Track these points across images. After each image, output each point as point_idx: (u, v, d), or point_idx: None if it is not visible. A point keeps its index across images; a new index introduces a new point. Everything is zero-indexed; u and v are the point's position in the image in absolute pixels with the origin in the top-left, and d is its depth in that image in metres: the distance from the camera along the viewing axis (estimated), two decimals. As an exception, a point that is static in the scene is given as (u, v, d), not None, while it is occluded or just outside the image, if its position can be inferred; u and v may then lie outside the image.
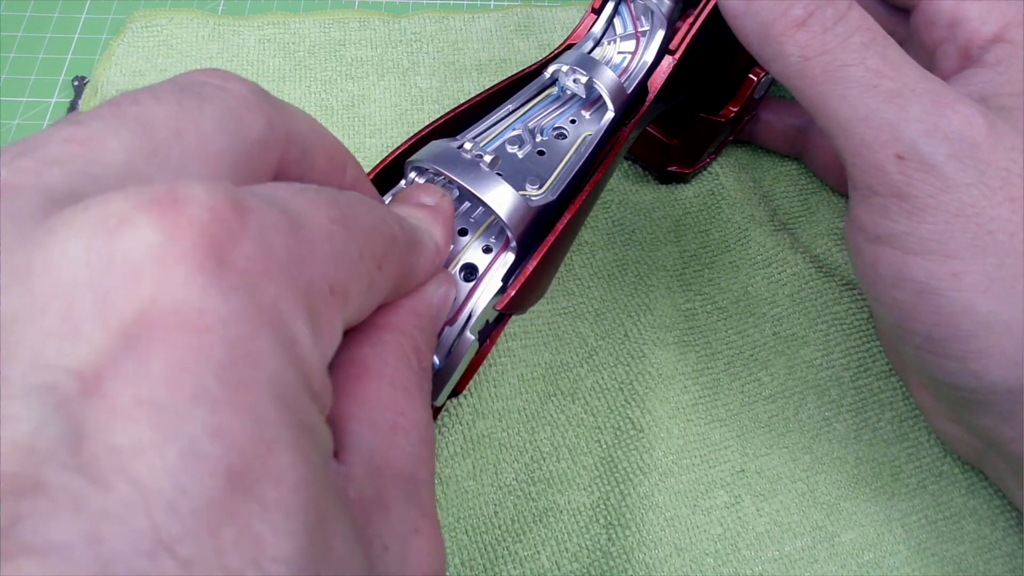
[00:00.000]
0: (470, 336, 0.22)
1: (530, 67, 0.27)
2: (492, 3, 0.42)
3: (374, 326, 0.17)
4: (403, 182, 0.23)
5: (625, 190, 0.36)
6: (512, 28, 0.41)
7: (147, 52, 0.38)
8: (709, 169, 0.36)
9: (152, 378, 0.10)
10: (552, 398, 0.30)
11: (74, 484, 0.09)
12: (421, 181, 0.22)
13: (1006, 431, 0.23)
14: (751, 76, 0.32)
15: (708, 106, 0.32)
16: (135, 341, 0.10)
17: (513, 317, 0.32)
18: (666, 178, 0.36)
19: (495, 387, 0.30)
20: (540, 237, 0.23)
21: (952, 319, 0.21)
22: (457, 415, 0.30)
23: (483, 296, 0.22)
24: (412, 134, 0.24)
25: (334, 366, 0.16)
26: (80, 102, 0.37)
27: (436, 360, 0.21)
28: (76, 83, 0.38)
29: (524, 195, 0.22)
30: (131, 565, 0.09)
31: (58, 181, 0.12)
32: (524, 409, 0.30)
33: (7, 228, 0.11)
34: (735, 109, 0.32)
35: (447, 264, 0.23)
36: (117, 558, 0.09)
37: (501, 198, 0.21)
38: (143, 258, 0.11)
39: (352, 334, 0.17)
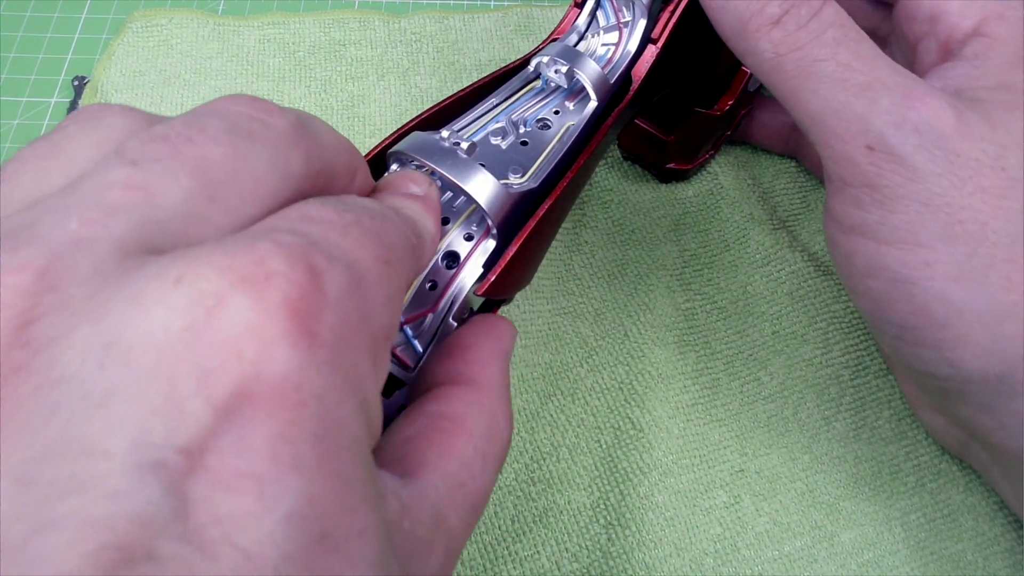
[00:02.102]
0: (452, 323, 0.22)
1: (514, 62, 0.27)
2: (492, 3, 0.42)
3: (475, 384, 0.18)
4: (386, 174, 0.23)
5: (625, 190, 0.36)
6: (512, 28, 0.41)
7: (147, 52, 0.38)
8: (708, 168, 0.36)
9: (253, 451, 0.11)
10: (552, 398, 0.30)
11: (184, 554, 0.10)
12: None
13: (985, 421, 0.23)
14: (744, 68, 0.32)
15: (702, 100, 0.32)
16: (236, 416, 0.11)
17: (513, 317, 0.32)
18: (665, 177, 0.36)
19: (495, 387, 0.30)
20: (522, 224, 0.23)
21: (925, 308, 0.21)
22: (457, 415, 0.30)
23: (464, 283, 0.22)
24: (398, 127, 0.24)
25: (430, 414, 0.17)
26: (80, 102, 0.37)
27: (419, 347, 0.22)
28: (76, 83, 0.38)
29: (505, 183, 0.22)
30: None
31: (125, 230, 0.12)
32: (524, 409, 0.30)
33: (93, 290, 0.11)
34: (730, 102, 0.32)
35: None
36: None
37: (481, 185, 0.21)
38: (242, 337, 0.11)
39: (455, 387, 0.18)
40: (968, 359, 0.21)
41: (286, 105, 0.41)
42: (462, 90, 0.26)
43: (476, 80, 0.26)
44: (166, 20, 0.39)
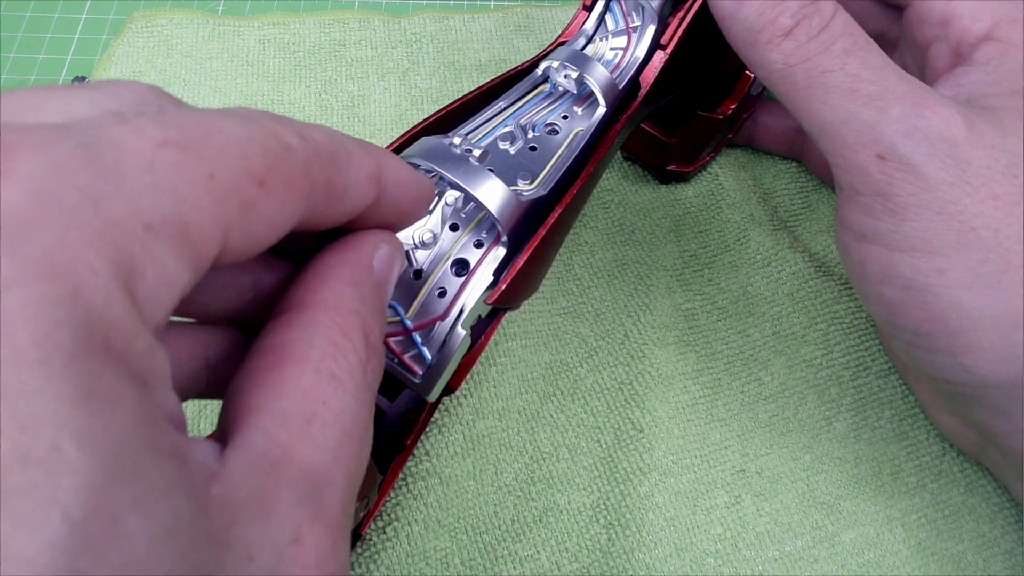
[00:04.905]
0: (461, 330, 0.22)
1: (522, 64, 0.27)
2: (492, 3, 0.42)
3: (305, 305, 0.15)
4: None
5: (625, 190, 0.36)
6: (512, 28, 0.41)
7: (147, 52, 0.38)
8: (709, 169, 0.36)
9: None
10: (552, 398, 0.30)
11: None
12: None
13: (1001, 425, 0.23)
14: (748, 73, 0.32)
15: (705, 103, 0.32)
16: None
17: (513, 317, 0.32)
18: (666, 178, 0.36)
19: (495, 387, 0.30)
20: (531, 231, 0.23)
21: (939, 314, 0.21)
22: (457, 415, 0.30)
23: (474, 290, 0.22)
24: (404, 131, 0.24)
25: (253, 353, 0.15)
26: (80, 102, 0.37)
27: (428, 355, 0.21)
28: (76, 83, 0.38)
29: (515, 190, 0.22)
30: None
31: None
32: (524, 409, 0.30)
33: None
34: (733, 106, 0.32)
35: (440, 260, 0.23)
36: None
37: (491, 193, 0.21)
38: None
39: (282, 316, 0.15)
40: (983, 364, 0.21)
41: (286, 106, 0.41)
42: (469, 93, 0.26)
43: (483, 83, 0.26)
44: (166, 20, 0.39)
